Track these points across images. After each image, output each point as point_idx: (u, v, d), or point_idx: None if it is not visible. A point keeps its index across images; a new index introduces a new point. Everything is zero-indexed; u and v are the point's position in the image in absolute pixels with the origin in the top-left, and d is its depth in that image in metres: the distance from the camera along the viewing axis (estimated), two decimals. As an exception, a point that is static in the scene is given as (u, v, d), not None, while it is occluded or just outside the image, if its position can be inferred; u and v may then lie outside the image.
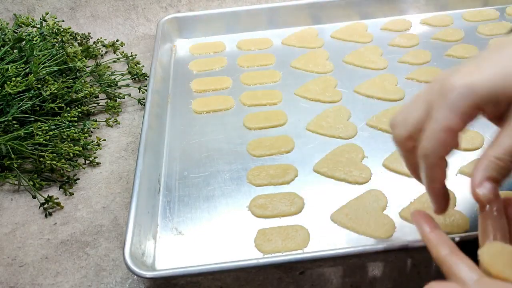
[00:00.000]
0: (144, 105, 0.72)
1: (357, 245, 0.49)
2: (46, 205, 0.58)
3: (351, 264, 0.49)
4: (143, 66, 0.81)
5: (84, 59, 0.76)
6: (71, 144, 0.63)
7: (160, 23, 0.84)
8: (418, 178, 0.42)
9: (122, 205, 0.59)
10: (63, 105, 0.67)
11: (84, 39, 0.87)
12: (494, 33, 0.81)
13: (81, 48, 0.81)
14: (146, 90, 0.72)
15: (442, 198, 0.41)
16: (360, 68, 0.76)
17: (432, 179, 0.39)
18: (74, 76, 0.74)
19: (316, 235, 0.52)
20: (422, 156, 0.38)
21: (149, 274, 0.46)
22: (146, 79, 0.79)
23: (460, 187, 0.56)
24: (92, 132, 0.70)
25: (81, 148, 0.64)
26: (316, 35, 0.84)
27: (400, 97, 0.69)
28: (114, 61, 0.81)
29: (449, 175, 0.57)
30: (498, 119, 0.37)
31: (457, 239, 0.48)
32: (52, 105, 0.66)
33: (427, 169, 0.39)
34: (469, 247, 0.49)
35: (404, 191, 0.56)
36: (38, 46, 0.71)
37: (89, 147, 0.66)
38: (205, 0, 0.93)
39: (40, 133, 0.61)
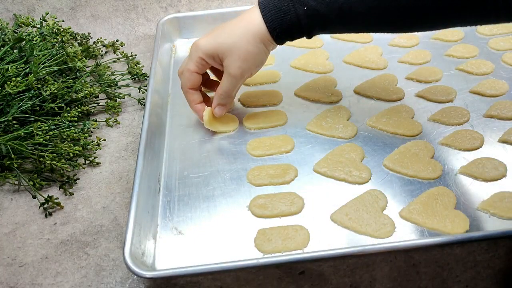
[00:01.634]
0: (144, 105, 0.72)
1: (357, 245, 0.49)
2: (46, 205, 0.58)
3: (351, 264, 0.50)
4: (143, 66, 0.81)
5: (84, 59, 0.76)
6: (71, 144, 0.63)
7: (160, 23, 0.84)
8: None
9: (122, 205, 0.59)
10: (63, 105, 0.67)
11: (84, 39, 0.87)
12: (494, 33, 0.81)
13: (81, 48, 0.81)
14: (146, 90, 0.72)
15: (198, 112, 0.64)
16: (360, 68, 0.76)
17: (188, 100, 0.64)
18: (74, 76, 0.74)
19: (316, 235, 0.52)
20: (181, 87, 0.64)
21: (149, 274, 0.46)
22: (146, 79, 0.79)
23: (460, 187, 0.56)
24: (92, 132, 0.70)
25: (81, 148, 0.64)
26: (316, 35, 0.84)
27: (400, 97, 0.69)
28: (114, 61, 0.81)
29: (449, 175, 0.57)
30: (219, 72, 0.65)
31: (456, 239, 0.48)
32: (52, 105, 0.66)
33: (185, 95, 0.64)
34: (469, 247, 0.50)
35: (404, 191, 0.56)
36: (38, 46, 0.71)
37: (89, 147, 0.66)
38: (205, 0, 0.93)
39: (40, 133, 0.61)
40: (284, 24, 0.56)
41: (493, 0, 0.48)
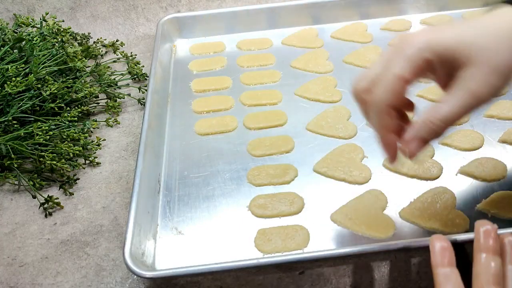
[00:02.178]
0: (144, 105, 0.72)
1: (357, 245, 0.49)
2: (46, 205, 0.58)
3: (351, 264, 0.50)
4: (143, 66, 0.81)
5: (84, 59, 0.76)
6: (71, 144, 0.63)
7: (160, 23, 0.84)
8: (374, 129, 0.43)
9: (122, 205, 0.59)
10: (63, 105, 0.67)
11: (84, 39, 0.87)
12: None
13: (81, 48, 0.81)
14: (146, 90, 0.72)
15: (391, 146, 0.42)
16: (360, 68, 0.76)
17: (381, 125, 0.41)
18: (74, 76, 0.74)
19: (316, 235, 0.52)
20: (373, 103, 0.40)
21: (149, 274, 0.46)
22: (146, 79, 0.79)
23: (460, 187, 0.56)
24: (92, 132, 0.70)
25: (81, 148, 0.64)
26: (316, 35, 0.84)
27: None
28: (114, 61, 0.81)
29: (449, 175, 0.57)
30: (444, 85, 0.40)
31: (456, 239, 0.48)
32: (52, 105, 0.66)
33: (377, 116, 0.40)
34: (469, 247, 0.49)
35: (404, 191, 0.56)
36: (38, 46, 0.71)
37: (89, 147, 0.66)
38: (205, 0, 0.93)
39: (40, 133, 0.61)
40: None
41: None
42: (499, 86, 0.38)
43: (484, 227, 0.41)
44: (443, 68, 0.38)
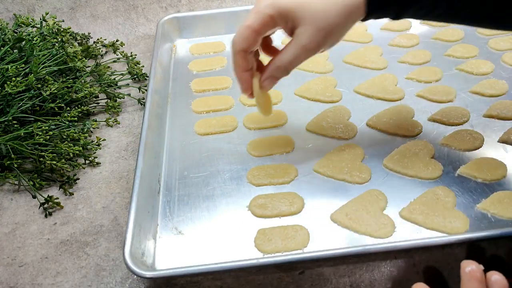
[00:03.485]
0: (144, 105, 0.72)
1: (357, 245, 0.49)
2: (46, 205, 0.58)
3: (351, 264, 0.50)
4: (143, 66, 0.81)
5: (84, 59, 0.76)
6: (71, 144, 0.63)
7: (160, 23, 0.84)
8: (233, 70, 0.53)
9: (122, 205, 0.59)
10: (63, 105, 0.67)
11: (84, 39, 0.87)
12: (494, 33, 0.81)
13: (81, 48, 0.81)
14: (146, 90, 0.72)
15: (243, 81, 0.53)
16: (360, 68, 0.76)
17: (236, 65, 0.52)
18: (74, 76, 0.74)
19: (316, 235, 0.52)
20: (231, 46, 0.51)
21: (149, 274, 0.46)
22: (146, 79, 0.79)
23: (460, 187, 0.56)
24: (92, 132, 0.70)
25: (81, 148, 0.64)
26: (316, 35, 0.84)
27: (400, 97, 0.69)
28: (114, 61, 0.81)
29: (449, 175, 0.57)
30: (291, 35, 0.50)
31: (456, 239, 0.48)
32: (52, 105, 0.66)
33: (232, 56, 0.51)
34: (469, 247, 0.50)
35: (404, 191, 0.56)
36: (38, 46, 0.71)
37: (89, 147, 0.66)
38: (205, 0, 0.93)
39: (40, 133, 0.61)
40: None
41: None
42: (325, 42, 0.49)
43: (468, 267, 0.41)
44: (286, 23, 0.48)
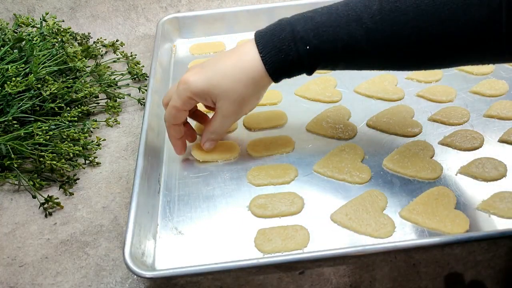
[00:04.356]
0: (144, 105, 0.72)
1: (357, 245, 0.49)
2: (46, 205, 0.58)
3: (351, 264, 0.49)
4: (143, 66, 0.81)
5: (84, 59, 0.76)
6: (71, 144, 0.63)
7: (160, 23, 0.84)
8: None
9: (122, 205, 0.59)
10: (63, 105, 0.67)
11: (84, 39, 0.87)
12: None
13: (81, 48, 0.81)
14: (146, 90, 0.72)
15: (177, 146, 0.61)
16: (360, 68, 0.76)
17: (169, 134, 0.60)
18: (74, 76, 0.74)
19: (316, 235, 0.52)
20: (164, 121, 0.60)
21: (149, 274, 0.46)
22: (146, 79, 0.79)
23: (460, 187, 0.56)
24: (92, 132, 0.70)
25: (81, 148, 0.64)
26: (316, 35, 0.84)
27: (400, 97, 0.69)
28: (114, 61, 0.81)
29: (449, 175, 0.57)
30: (211, 107, 0.59)
31: (456, 239, 0.48)
32: (52, 105, 0.66)
33: (167, 128, 0.60)
34: (469, 247, 0.50)
35: (404, 191, 0.56)
36: (38, 46, 0.71)
37: (89, 147, 0.66)
38: (205, 0, 0.93)
39: (40, 133, 0.61)
40: (285, 65, 0.53)
41: (497, 43, 0.46)
42: (241, 109, 0.57)
43: None
44: (205, 100, 0.56)
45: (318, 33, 0.51)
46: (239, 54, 0.55)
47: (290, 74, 0.55)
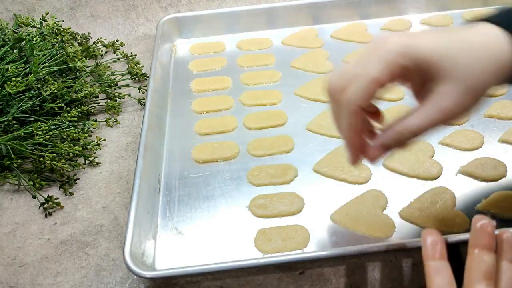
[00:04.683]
0: (144, 105, 0.72)
1: (357, 245, 0.49)
2: (46, 205, 0.58)
3: (351, 264, 0.50)
4: (143, 66, 0.81)
5: (84, 59, 0.76)
6: (71, 144, 0.63)
7: (160, 23, 0.84)
8: (340, 129, 0.42)
9: (122, 205, 0.59)
10: (63, 105, 0.67)
11: (84, 39, 0.87)
12: (494, 33, 0.81)
13: (81, 48, 0.81)
14: (146, 90, 0.72)
15: (356, 147, 0.42)
16: (360, 68, 0.76)
17: (349, 126, 0.40)
18: (74, 76, 0.74)
19: (316, 235, 0.52)
20: (346, 102, 0.38)
21: (149, 274, 0.46)
22: (146, 79, 0.79)
23: (460, 187, 0.56)
24: (92, 132, 0.70)
25: (81, 148, 0.64)
26: (316, 35, 0.84)
27: (399, 97, 0.69)
28: (114, 61, 0.81)
29: (449, 175, 0.57)
30: (417, 92, 0.40)
31: (457, 239, 0.48)
32: (52, 105, 0.66)
33: (346, 115, 0.39)
34: (463, 247, 0.49)
35: (404, 191, 0.56)
36: (38, 46, 0.71)
37: (89, 147, 0.66)
38: (205, 0, 0.93)
39: (40, 133, 0.61)
40: None
41: None
42: (470, 106, 0.38)
43: (480, 222, 0.40)
44: (417, 75, 0.38)
45: None
46: (476, 31, 0.39)
47: None
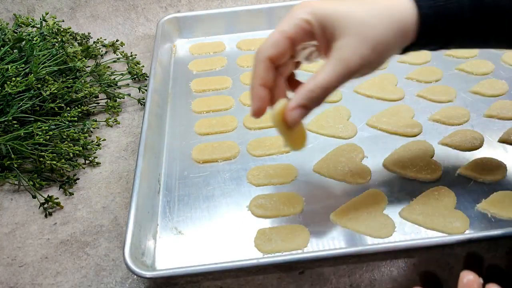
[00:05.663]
0: (144, 105, 0.72)
1: (357, 245, 0.49)
2: (46, 205, 0.58)
3: (351, 264, 0.50)
4: (143, 66, 0.81)
5: (84, 59, 0.76)
6: (71, 144, 0.63)
7: (160, 23, 0.84)
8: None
9: (122, 205, 0.59)
10: (63, 105, 0.67)
11: (84, 39, 0.87)
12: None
13: (81, 48, 0.81)
14: (146, 90, 0.72)
15: (259, 99, 0.43)
16: (360, 68, 0.76)
17: (256, 75, 0.42)
18: (74, 76, 0.74)
19: (316, 235, 0.52)
20: (256, 52, 0.42)
21: (149, 274, 0.46)
22: (146, 79, 0.79)
23: (460, 187, 0.56)
24: (92, 132, 0.70)
25: (81, 148, 0.64)
26: (316, 35, 0.84)
27: (400, 97, 0.69)
28: (114, 61, 0.81)
29: (449, 175, 0.57)
30: (325, 53, 0.43)
31: (456, 239, 0.48)
32: (52, 105, 0.66)
33: (254, 65, 0.42)
34: (469, 247, 0.49)
35: (404, 191, 0.56)
36: (38, 46, 0.71)
37: (89, 147, 0.66)
38: (205, 0, 0.93)
39: (40, 133, 0.61)
40: (442, 13, 0.40)
41: None
42: (371, 59, 0.41)
43: (466, 277, 0.40)
44: (323, 34, 0.41)
45: None
46: None
47: (438, 35, 0.42)
